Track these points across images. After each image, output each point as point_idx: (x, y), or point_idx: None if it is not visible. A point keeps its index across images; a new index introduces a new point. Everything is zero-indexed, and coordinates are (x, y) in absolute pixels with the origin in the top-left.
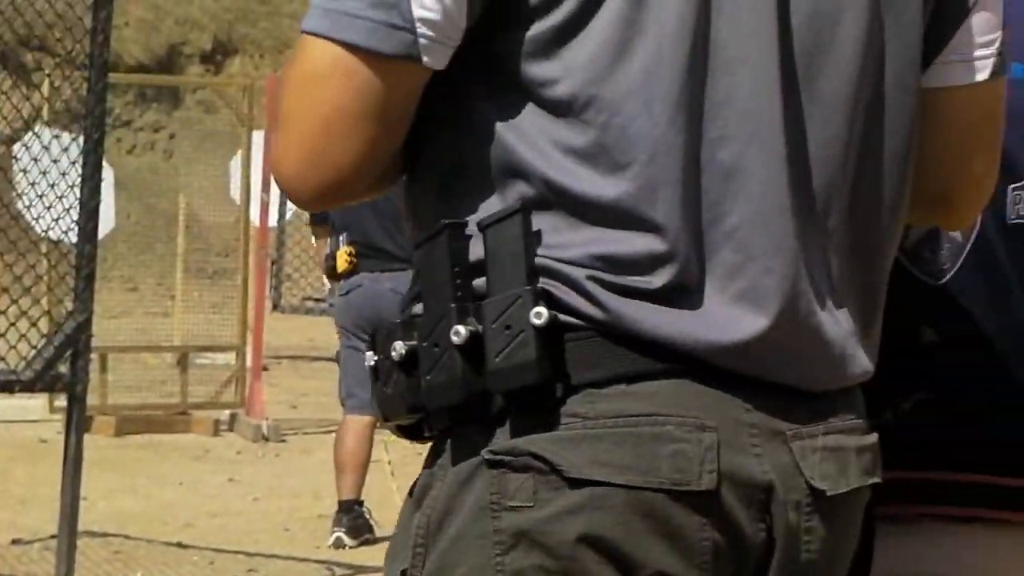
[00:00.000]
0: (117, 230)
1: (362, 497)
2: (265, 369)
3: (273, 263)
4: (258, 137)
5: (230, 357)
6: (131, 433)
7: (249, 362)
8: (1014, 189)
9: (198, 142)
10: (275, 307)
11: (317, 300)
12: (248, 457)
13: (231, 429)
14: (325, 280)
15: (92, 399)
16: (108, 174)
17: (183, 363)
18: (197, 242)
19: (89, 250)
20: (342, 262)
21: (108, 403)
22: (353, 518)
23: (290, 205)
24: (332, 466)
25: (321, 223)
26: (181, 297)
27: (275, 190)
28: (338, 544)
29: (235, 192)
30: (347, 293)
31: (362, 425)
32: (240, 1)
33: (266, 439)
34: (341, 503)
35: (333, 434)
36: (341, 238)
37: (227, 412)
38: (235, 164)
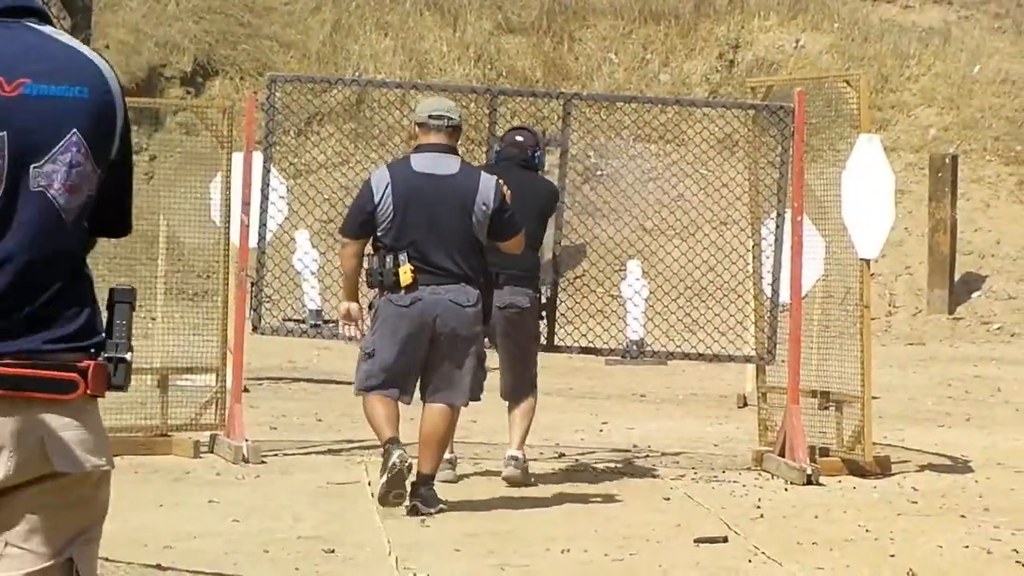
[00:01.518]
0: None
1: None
2: (245, 391)
3: (253, 284)
4: (238, 158)
5: (210, 379)
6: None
7: (229, 383)
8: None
9: (179, 164)
10: (255, 328)
11: (297, 321)
12: (228, 479)
13: (211, 451)
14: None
15: None
16: None
17: (163, 385)
18: (178, 264)
19: None
20: (407, 277)
21: None
22: (430, 487)
23: (270, 226)
24: (311, 488)
25: (357, 238)
26: (162, 318)
27: (255, 211)
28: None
29: (216, 213)
30: (410, 305)
31: (441, 409)
32: (221, 24)
33: (246, 460)
34: (420, 476)
35: (313, 456)
36: (402, 256)
37: (207, 433)
38: (215, 185)
